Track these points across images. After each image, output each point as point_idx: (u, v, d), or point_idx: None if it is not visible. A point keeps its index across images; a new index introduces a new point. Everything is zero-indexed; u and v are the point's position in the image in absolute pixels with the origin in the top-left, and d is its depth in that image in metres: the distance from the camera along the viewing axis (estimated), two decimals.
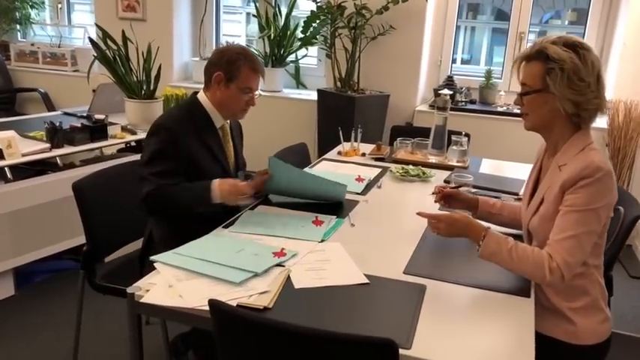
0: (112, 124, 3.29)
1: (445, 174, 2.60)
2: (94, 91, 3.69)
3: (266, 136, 4.27)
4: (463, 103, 4.14)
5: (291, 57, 4.71)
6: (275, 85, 4.60)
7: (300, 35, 4.24)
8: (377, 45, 4.10)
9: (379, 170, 2.65)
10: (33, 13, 5.55)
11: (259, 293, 1.46)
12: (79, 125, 3.12)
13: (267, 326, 1.23)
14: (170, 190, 1.97)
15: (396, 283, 1.56)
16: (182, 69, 4.99)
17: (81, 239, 2.81)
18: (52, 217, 2.97)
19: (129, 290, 1.46)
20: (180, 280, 1.52)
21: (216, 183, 1.98)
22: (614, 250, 1.93)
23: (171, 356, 2.26)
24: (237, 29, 5.36)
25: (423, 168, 2.62)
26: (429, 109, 4.16)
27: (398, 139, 2.99)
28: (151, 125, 2.06)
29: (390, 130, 3.56)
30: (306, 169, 2.61)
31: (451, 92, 2.95)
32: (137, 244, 2.29)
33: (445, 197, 1.95)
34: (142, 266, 2.02)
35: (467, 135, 2.88)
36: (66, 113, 3.71)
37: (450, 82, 4.24)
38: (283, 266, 1.62)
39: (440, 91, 2.94)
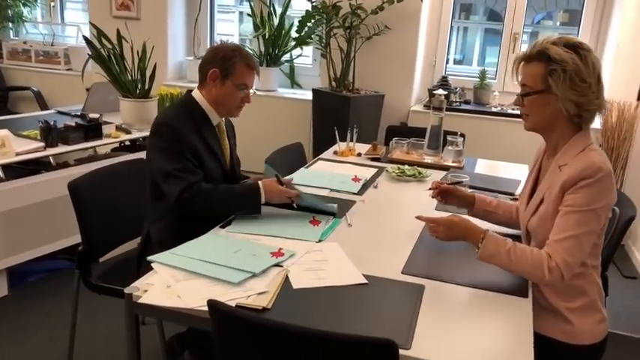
0: (106, 123, 3.27)
1: (441, 174, 2.61)
2: (87, 89, 3.67)
3: (261, 135, 4.27)
4: (457, 104, 4.16)
5: (286, 56, 4.70)
6: (270, 84, 4.60)
7: (295, 35, 4.24)
8: (372, 45, 4.11)
9: (375, 170, 2.66)
10: (25, 11, 5.52)
11: (258, 293, 1.45)
12: (74, 124, 3.11)
13: (267, 327, 1.22)
14: (209, 192, 1.96)
15: (394, 283, 1.57)
16: (176, 68, 4.98)
17: (75, 239, 2.82)
18: (46, 217, 2.95)
19: (127, 291, 1.45)
20: (179, 281, 1.51)
21: (264, 185, 1.98)
22: (610, 251, 1.94)
23: (167, 357, 2.26)
24: (231, 28, 5.35)
25: (419, 168, 2.63)
26: (423, 109, 4.18)
27: (394, 139, 2.99)
28: (153, 124, 2.05)
29: (384, 130, 3.57)
30: (302, 169, 2.61)
31: (446, 92, 2.95)
32: (132, 244, 2.29)
33: (442, 193, 1.96)
34: (139, 266, 2.01)
35: (462, 135, 2.89)
36: (60, 112, 3.69)
37: (444, 83, 4.25)
38: (281, 266, 1.61)
39: (435, 92, 2.94)
